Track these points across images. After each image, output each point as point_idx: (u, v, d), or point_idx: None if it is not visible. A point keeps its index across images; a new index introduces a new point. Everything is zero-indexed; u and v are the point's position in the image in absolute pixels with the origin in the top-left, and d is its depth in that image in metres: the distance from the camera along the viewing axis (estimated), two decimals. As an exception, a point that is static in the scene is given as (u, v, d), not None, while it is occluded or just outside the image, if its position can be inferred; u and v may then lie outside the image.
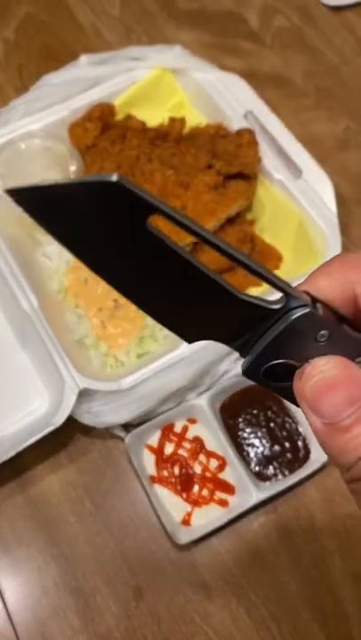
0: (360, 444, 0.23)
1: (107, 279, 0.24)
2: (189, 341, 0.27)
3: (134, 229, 0.22)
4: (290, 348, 0.25)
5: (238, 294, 0.24)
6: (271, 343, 0.25)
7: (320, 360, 0.25)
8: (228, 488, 0.60)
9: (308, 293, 0.25)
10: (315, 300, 0.25)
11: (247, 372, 0.27)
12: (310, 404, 0.24)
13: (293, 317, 0.25)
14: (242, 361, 0.27)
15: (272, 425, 0.62)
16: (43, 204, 0.21)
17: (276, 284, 0.24)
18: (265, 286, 0.67)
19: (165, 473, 0.60)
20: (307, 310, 0.24)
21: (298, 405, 0.25)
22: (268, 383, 0.27)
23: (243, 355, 0.27)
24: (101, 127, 0.70)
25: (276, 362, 0.26)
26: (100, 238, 0.22)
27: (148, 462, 0.61)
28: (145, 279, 0.24)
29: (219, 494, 0.60)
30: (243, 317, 0.25)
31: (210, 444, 0.62)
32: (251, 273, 0.23)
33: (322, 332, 0.25)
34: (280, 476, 0.60)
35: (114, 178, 0.20)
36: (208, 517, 0.59)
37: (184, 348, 0.59)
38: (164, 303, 0.25)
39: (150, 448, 0.61)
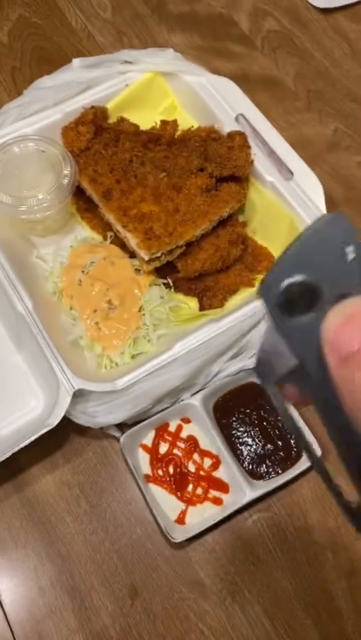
0: None
1: None
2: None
3: None
4: (315, 260, 0.24)
5: None
6: (297, 248, 0.24)
7: None
8: (222, 486, 0.60)
9: None
10: None
11: (266, 286, 0.24)
12: None
13: (321, 217, 0.24)
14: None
15: (265, 423, 0.62)
16: None
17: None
18: (257, 287, 0.68)
19: (160, 472, 0.61)
20: (337, 213, 0.24)
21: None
22: (280, 316, 0.24)
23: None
24: (94, 130, 0.71)
25: (299, 278, 0.24)
26: None
27: (143, 462, 0.61)
28: None
29: (213, 492, 0.60)
30: None
31: (204, 443, 0.62)
32: None
33: (349, 247, 0.23)
34: (273, 474, 0.61)
35: None
36: (202, 515, 0.59)
37: (177, 348, 0.60)
38: None
39: (145, 448, 0.62)
